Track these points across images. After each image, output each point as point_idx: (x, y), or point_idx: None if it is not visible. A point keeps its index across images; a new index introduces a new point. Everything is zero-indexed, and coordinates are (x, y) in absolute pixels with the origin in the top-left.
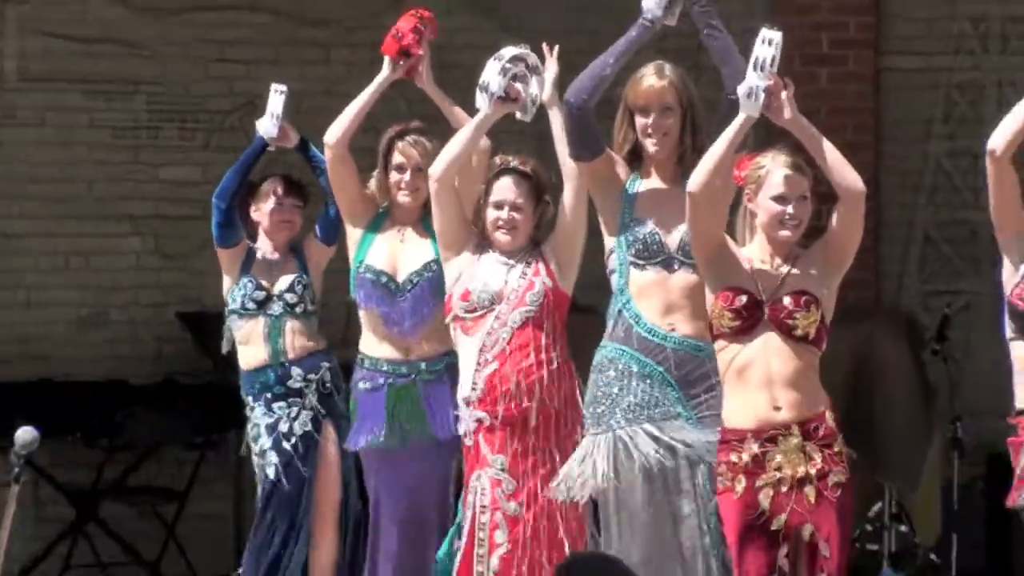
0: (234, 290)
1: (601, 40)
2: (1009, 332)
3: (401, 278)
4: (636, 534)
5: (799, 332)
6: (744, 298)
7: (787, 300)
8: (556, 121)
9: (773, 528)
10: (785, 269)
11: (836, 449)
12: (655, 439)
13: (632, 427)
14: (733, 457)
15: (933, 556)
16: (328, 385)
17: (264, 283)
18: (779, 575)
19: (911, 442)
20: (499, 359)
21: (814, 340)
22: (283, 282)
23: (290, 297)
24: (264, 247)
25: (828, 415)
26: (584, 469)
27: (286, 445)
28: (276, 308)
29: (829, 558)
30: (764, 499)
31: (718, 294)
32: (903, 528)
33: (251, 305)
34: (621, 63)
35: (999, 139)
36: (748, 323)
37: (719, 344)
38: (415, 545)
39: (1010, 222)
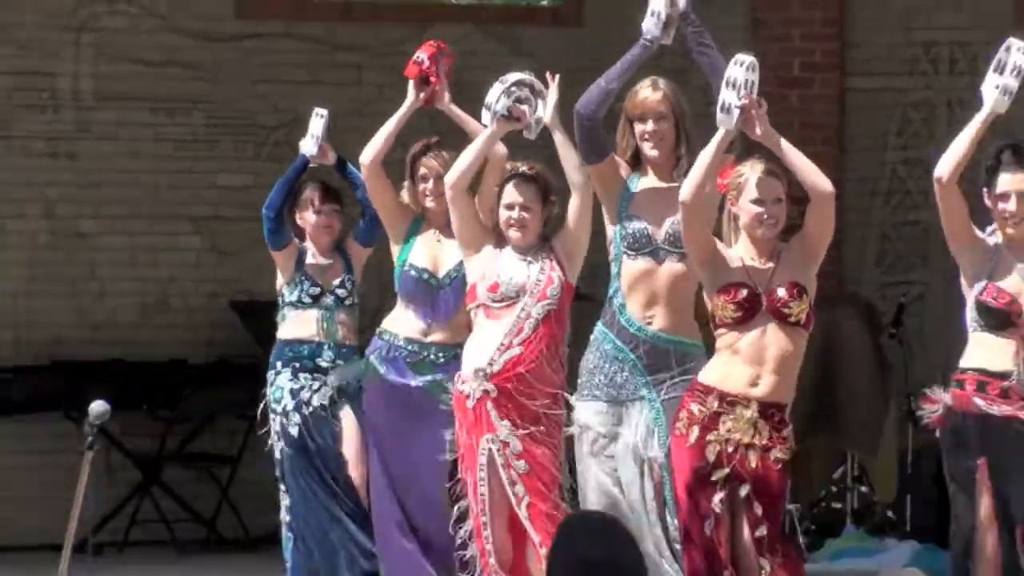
0: (291, 286)
1: (602, 60)
2: (974, 325)
3: (441, 274)
4: (589, 491)
5: (793, 318)
6: (744, 292)
7: (781, 291)
8: (559, 141)
9: (713, 479)
10: (771, 264)
11: (784, 434)
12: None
13: (594, 401)
14: (694, 408)
15: (890, 513)
16: None
17: (319, 281)
18: (713, 519)
19: (871, 414)
20: (523, 346)
21: (804, 324)
22: (335, 279)
23: (341, 292)
24: (312, 249)
25: (788, 410)
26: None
27: (304, 410)
28: (329, 301)
29: (762, 517)
30: (711, 453)
31: (719, 291)
32: (864, 489)
33: (307, 299)
34: (625, 78)
35: (945, 168)
36: (748, 314)
37: (720, 332)
38: (415, 503)
39: (960, 236)
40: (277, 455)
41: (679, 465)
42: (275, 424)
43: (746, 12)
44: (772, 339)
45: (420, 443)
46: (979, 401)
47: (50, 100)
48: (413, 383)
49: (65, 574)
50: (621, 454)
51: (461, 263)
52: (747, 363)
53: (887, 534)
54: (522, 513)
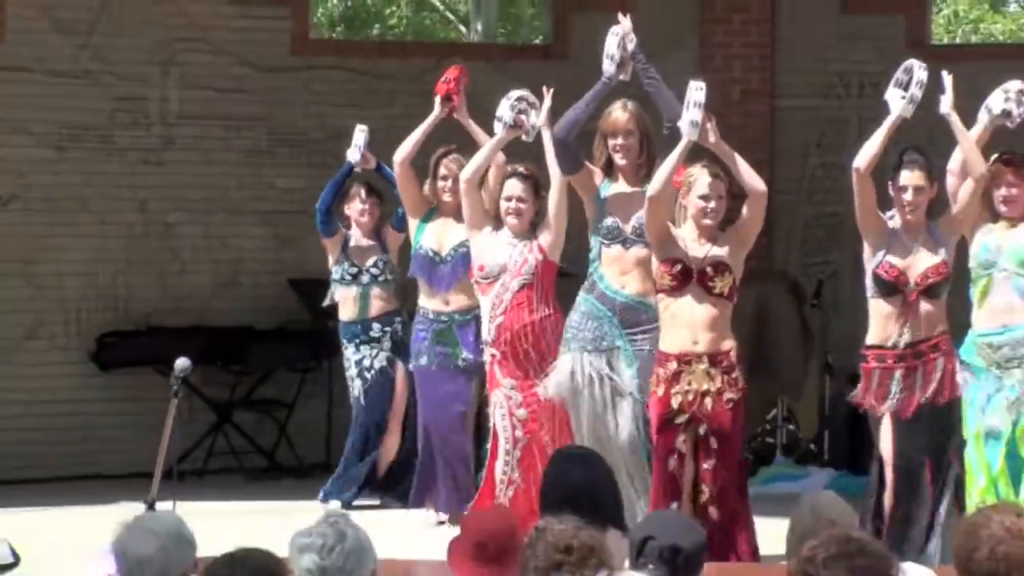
0: (336, 266)
1: (584, 88)
2: (871, 293)
3: (444, 252)
4: (584, 429)
5: (717, 290)
6: (679, 266)
7: (709, 269)
8: (546, 138)
9: (677, 422)
10: (708, 246)
11: (734, 376)
12: (594, 365)
13: (582, 353)
14: (660, 371)
15: (812, 446)
16: (399, 334)
17: (356, 262)
18: (677, 455)
19: (796, 368)
20: (504, 315)
21: (728, 295)
22: (370, 260)
23: (374, 271)
24: (356, 234)
25: (732, 353)
26: (550, 378)
27: (367, 375)
28: (365, 278)
29: (717, 449)
30: (675, 402)
31: (661, 262)
32: (791, 427)
33: (348, 277)
34: (590, 111)
35: (861, 159)
36: (681, 283)
37: (660, 297)
38: (444, 439)
39: (870, 221)
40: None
41: (653, 415)
42: (350, 389)
43: (697, 49)
44: (700, 306)
45: (451, 402)
46: (876, 375)
47: (143, 119)
48: (436, 366)
49: (155, 495)
50: (608, 399)
51: (461, 243)
52: (684, 326)
53: (809, 463)
54: (516, 454)
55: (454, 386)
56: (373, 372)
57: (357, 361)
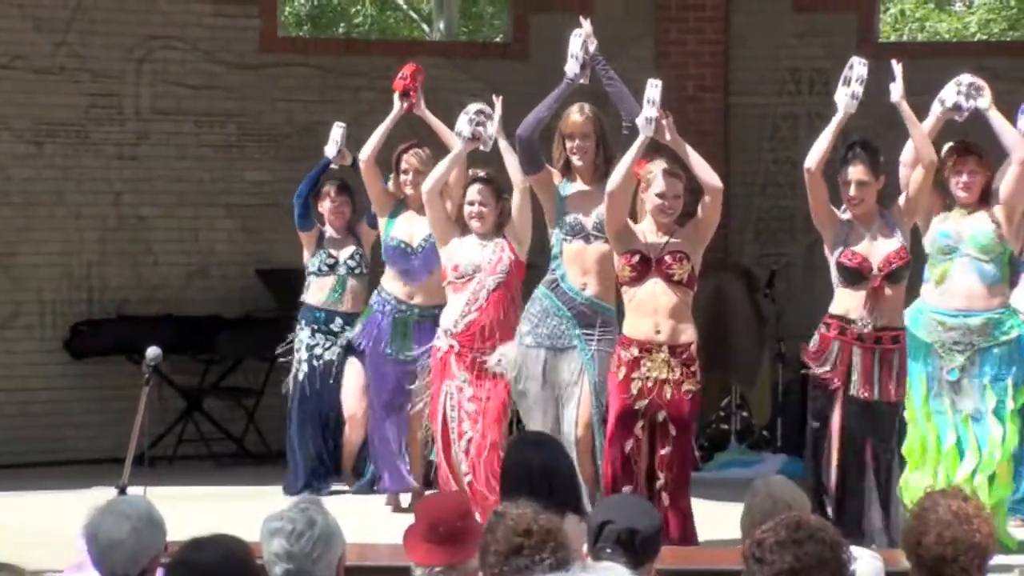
0: (313, 259)
1: (541, 85)
2: (836, 282)
3: (415, 244)
4: (533, 419)
5: (676, 278)
6: (638, 257)
7: (668, 258)
8: (503, 147)
9: (635, 408)
10: (666, 239)
11: (692, 369)
12: (545, 361)
13: (537, 348)
14: (622, 353)
15: (765, 432)
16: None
17: (333, 253)
18: (634, 440)
19: (750, 355)
20: (479, 311)
21: (687, 283)
22: (345, 253)
23: (351, 263)
24: (330, 230)
25: (693, 347)
26: (500, 359)
27: (315, 363)
28: (342, 270)
29: (675, 436)
30: (634, 388)
31: (621, 255)
32: (745, 414)
33: (325, 268)
34: (553, 109)
35: (812, 159)
36: (641, 274)
37: (623, 288)
38: (393, 418)
39: (822, 213)
40: (289, 391)
41: (611, 396)
42: (292, 369)
43: (652, 46)
44: (662, 294)
45: (400, 386)
46: (835, 348)
47: (118, 115)
48: (392, 355)
49: (127, 480)
50: (556, 393)
51: (429, 235)
52: (647, 314)
53: (762, 449)
54: (461, 446)
55: (401, 372)
56: (321, 362)
57: (309, 346)
